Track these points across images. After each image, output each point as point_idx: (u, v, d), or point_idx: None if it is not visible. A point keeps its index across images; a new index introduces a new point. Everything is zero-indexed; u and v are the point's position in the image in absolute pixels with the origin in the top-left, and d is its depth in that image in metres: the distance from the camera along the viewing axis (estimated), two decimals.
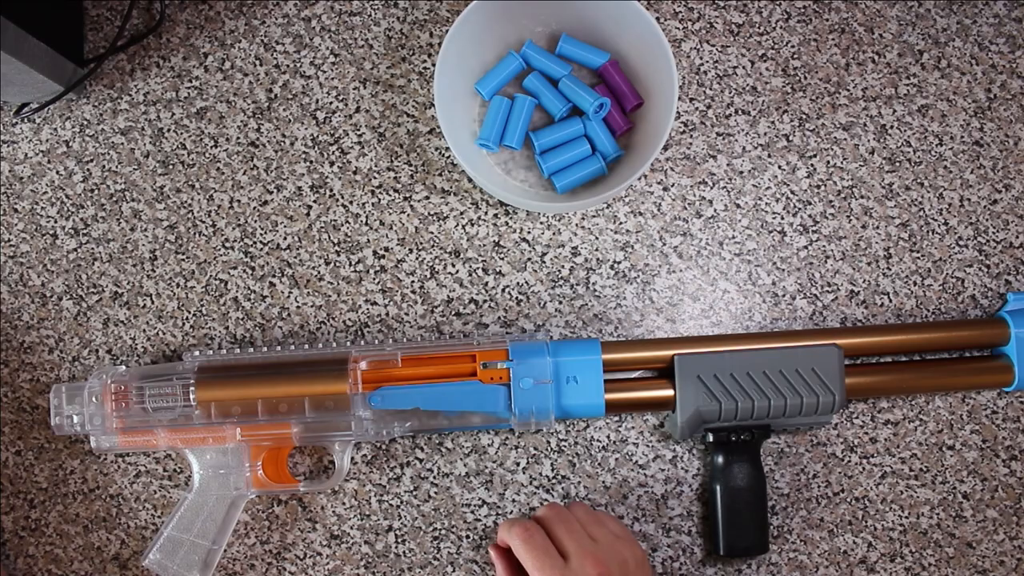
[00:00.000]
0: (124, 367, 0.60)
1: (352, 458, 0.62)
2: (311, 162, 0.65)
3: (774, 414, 0.58)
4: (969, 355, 0.63)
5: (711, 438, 0.59)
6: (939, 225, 0.64)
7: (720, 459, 0.59)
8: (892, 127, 0.65)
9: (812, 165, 0.64)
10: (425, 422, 0.58)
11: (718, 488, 0.59)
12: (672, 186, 0.64)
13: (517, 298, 0.63)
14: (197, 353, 0.60)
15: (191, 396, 0.57)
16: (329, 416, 0.58)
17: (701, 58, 0.65)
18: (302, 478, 0.63)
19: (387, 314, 0.63)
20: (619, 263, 0.64)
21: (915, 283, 0.64)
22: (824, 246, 0.64)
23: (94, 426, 0.58)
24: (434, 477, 0.62)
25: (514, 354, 0.58)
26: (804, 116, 0.65)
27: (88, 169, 0.66)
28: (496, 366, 0.58)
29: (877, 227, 0.64)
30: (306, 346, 0.60)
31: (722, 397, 0.58)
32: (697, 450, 0.62)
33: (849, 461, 0.62)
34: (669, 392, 0.59)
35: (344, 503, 0.62)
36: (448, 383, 0.58)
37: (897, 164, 0.64)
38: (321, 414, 0.57)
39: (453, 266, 0.64)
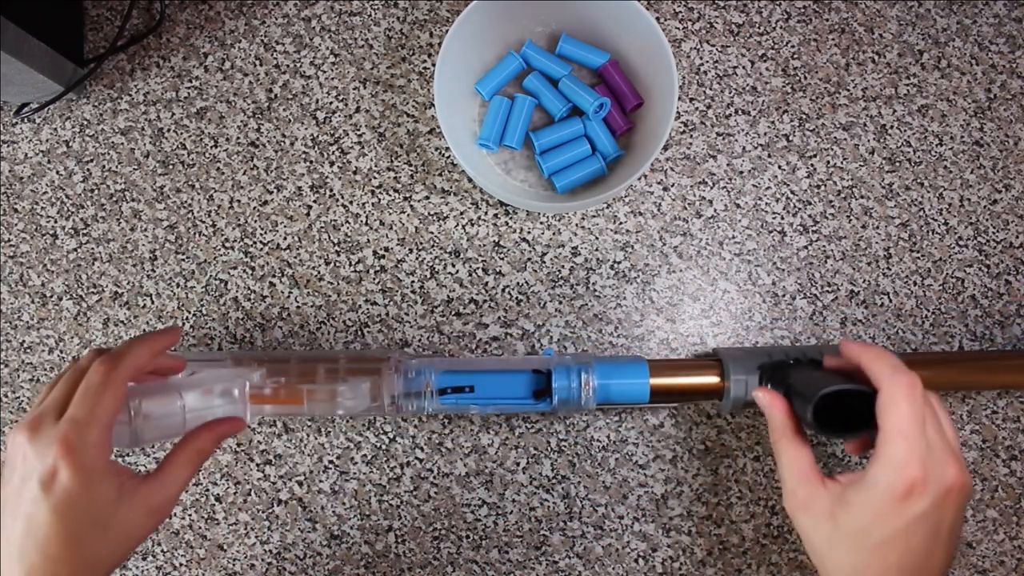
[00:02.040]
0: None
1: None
2: (311, 162, 0.65)
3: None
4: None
5: (766, 375, 0.54)
6: (939, 225, 0.64)
7: (773, 378, 0.53)
8: (892, 127, 0.65)
9: (812, 165, 0.64)
10: (458, 384, 0.55)
11: (788, 379, 0.51)
12: (672, 186, 0.64)
13: (517, 298, 0.63)
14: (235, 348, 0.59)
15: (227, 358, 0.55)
16: (362, 362, 0.55)
17: (701, 58, 0.65)
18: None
19: (387, 314, 0.63)
20: (619, 263, 0.64)
21: (915, 283, 0.64)
22: (824, 246, 0.64)
23: None
24: (434, 477, 0.62)
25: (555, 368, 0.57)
26: (804, 116, 0.65)
27: (88, 169, 0.66)
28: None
29: (877, 227, 0.64)
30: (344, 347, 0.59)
31: (777, 356, 0.54)
32: (696, 450, 0.62)
33: (849, 461, 0.62)
34: (716, 379, 0.56)
35: (344, 503, 0.62)
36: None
37: (897, 164, 0.64)
38: (354, 359, 0.55)
39: (453, 266, 0.64)
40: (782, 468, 0.48)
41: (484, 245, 0.64)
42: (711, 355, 0.59)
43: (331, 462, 0.63)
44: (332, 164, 0.65)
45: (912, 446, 0.43)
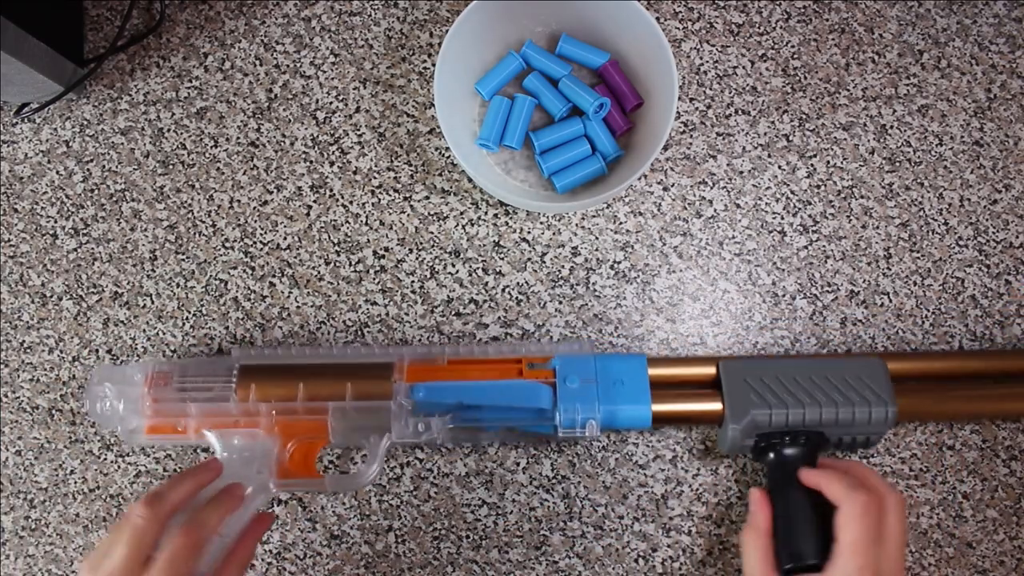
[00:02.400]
0: (165, 359, 0.59)
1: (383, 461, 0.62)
2: (311, 162, 0.65)
3: (826, 420, 0.55)
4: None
5: (762, 445, 0.57)
6: (939, 225, 0.64)
7: (772, 466, 0.57)
8: (892, 127, 0.65)
9: (812, 165, 0.64)
10: (466, 420, 0.56)
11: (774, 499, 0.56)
12: (672, 186, 0.64)
13: (517, 298, 0.63)
14: (237, 351, 0.59)
15: (232, 383, 0.56)
16: (369, 407, 0.55)
17: (701, 58, 0.65)
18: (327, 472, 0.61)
19: (387, 314, 0.63)
20: (619, 263, 0.64)
21: (915, 283, 0.64)
22: (824, 246, 0.64)
23: (128, 401, 0.56)
24: (434, 477, 0.62)
25: (559, 361, 0.57)
26: (804, 116, 0.65)
27: (88, 169, 0.66)
28: (543, 367, 0.57)
29: (877, 227, 0.64)
30: (351, 347, 0.59)
31: (773, 401, 0.55)
32: (696, 451, 0.62)
33: None
34: (718, 406, 0.57)
35: (344, 503, 0.62)
36: (492, 381, 0.56)
37: (897, 164, 0.64)
38: (362, 403, 0.55)
39: (453, 266, 0.64)
40: (746, 557, 0.54)
41: (484, 245, 0.64)
42: (714, 366, 0.58)
43: (331, 462, 0.63)
44: (332, 164, 0.65)
45: (864, 562, 0.49)
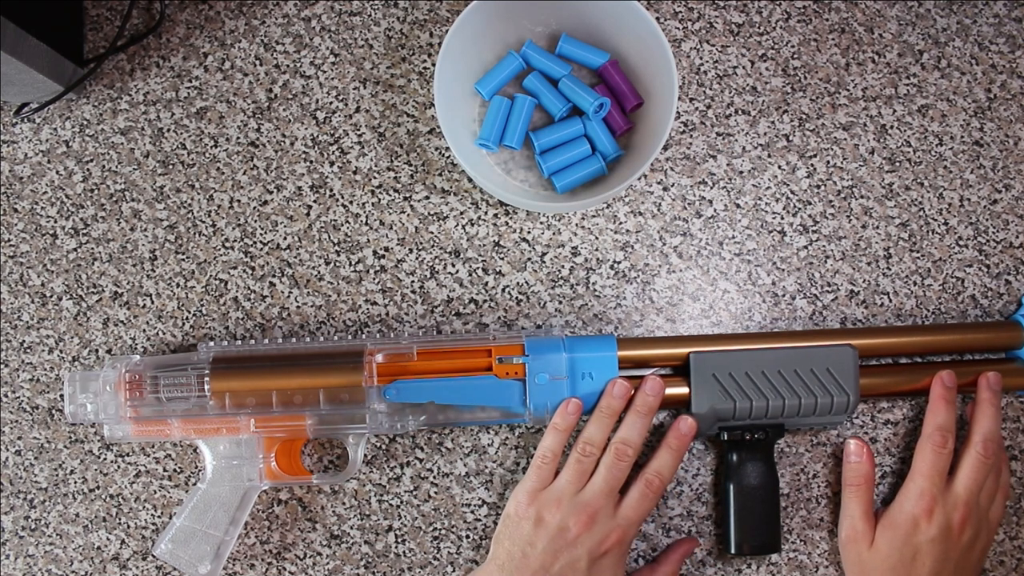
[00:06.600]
0: (138, 356, 0.60)
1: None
2: (311, 162, 0.65)
3: (788, 413, 0.58)
4: (983, 358, 0.63)
5: (725, 436, 0.59)
6: (939, 225, 0.64)
7: (733, 457, 0.59)
8: (892, 127, 0.65)
9: (812, 165, 0.64)
10: (439, 416, 0.58)
11: (731, 486, 0.59)
12: (672, 186, 0.64)
13: (517, 298, 0.63)
14: (212, 343, 0.60)
15: (205, 387, 0.57)
16: (343, 408, 0.58)
17: (701, 58, 0.65)
18: (314, 471, 0.63)
19: (387, 314, 0.63)
20: (619, 263, 0.64)
21: (915, 283, 0.64)
22: (824, 246, 0.64)
23: (108, 415, 0.58)
24: (434, 477, 0.62)
25: (530, 349, 0.58)
26: (804, 116, 0.65)
27: (88, 169, 0.66)
28: (512, 361, 0.58)
29: (877, 227, 0.64)
30: (321, 338, 0.60)
31: (737, 396, 0.58)
32: (697, 450, 0.62)
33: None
34: (684, 390, 0.59)
35: (344, 503, 0.63)
36: (463, 377, 0.58)
37: (897, 164, 0.64)
38: (335, 406, 0.57)
39: (453, 266, 0.64)
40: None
41: (484, 245, 0.64)
42: (684, 348, 0.60)
43: (331, 462, 0.63)
44: (332, 164, 0.65)
45: (927, 486, 0.56)
